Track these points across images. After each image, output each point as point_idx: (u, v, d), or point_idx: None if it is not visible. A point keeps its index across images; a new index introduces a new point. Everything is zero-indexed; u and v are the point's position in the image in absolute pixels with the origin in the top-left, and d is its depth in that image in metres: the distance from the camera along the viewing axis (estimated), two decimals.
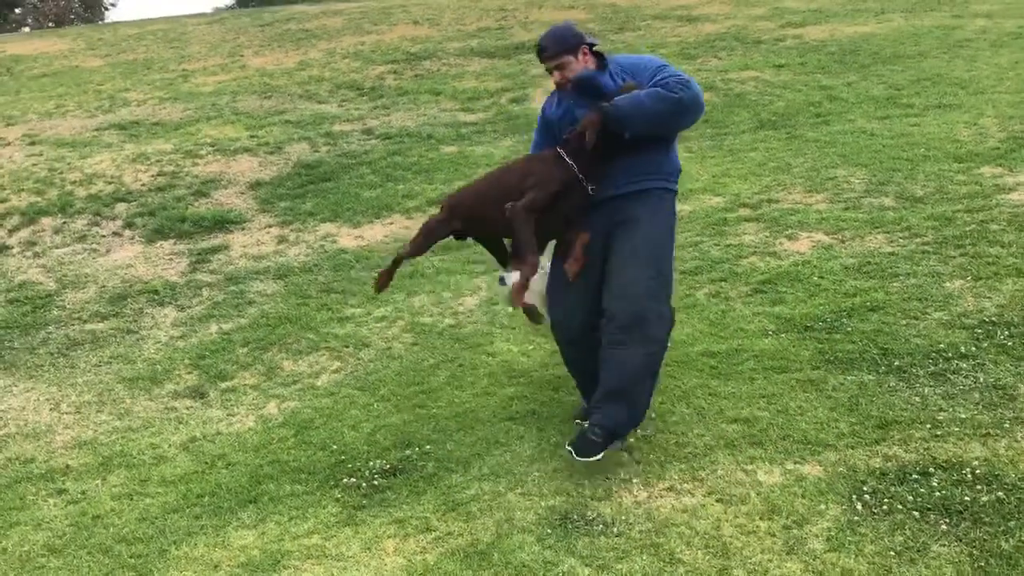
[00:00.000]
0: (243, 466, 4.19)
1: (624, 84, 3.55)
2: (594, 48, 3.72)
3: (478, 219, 3.86)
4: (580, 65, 3.64)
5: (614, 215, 3.63)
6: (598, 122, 3.48)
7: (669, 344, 3.70)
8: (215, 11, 20.22)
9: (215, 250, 7.08)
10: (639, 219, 3.60)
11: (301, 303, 6.01)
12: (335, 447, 4.20)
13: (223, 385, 5.11)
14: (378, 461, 3.97)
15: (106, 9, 38.27)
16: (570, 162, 3.59)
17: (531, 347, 4.93)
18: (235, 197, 8.07)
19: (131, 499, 4.04)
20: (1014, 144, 6.83)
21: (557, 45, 3.63)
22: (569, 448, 3.50)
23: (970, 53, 9.86)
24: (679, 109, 3.47)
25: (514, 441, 3.96)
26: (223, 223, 7.54)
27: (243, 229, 7.44)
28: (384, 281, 4.10)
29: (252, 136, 9.52)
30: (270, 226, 7.44)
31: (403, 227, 7.13)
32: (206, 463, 4.28)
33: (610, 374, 3.53)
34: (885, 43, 10.69)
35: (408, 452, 4.01)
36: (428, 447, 4.03)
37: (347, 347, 5.31)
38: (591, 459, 3.45)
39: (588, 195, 3.63)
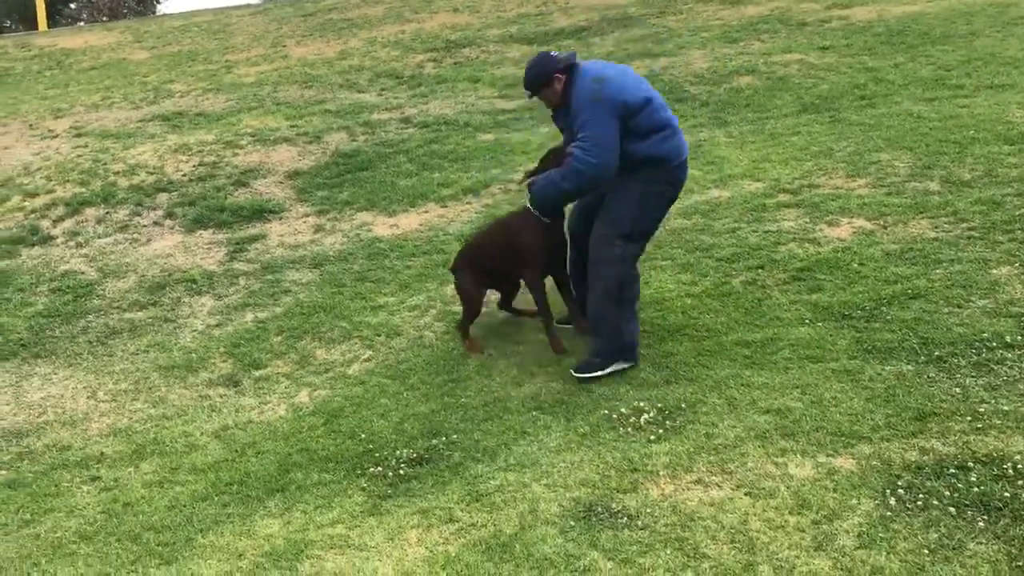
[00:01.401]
0: (273, 455, 4.21)
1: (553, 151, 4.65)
2: (568, 66, 4.35)
3: (488, 269, 4.95)
4: (555, 91, 4.35)
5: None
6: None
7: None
8: (261, 2, 20.40)
9: (253, 239, 7.12)
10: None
11: (336, 292, 6.01)
12: (363, 436, 4.19)
13: (256, 374, 5.13)
14: (405, 450, 3.96)
15: (158, 2, 38.85)
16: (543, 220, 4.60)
17: (561, 336, 4.86)
18: (274, 187, 8.11)
19: (162, 487, 4.07)
20: None
21: (531, 87, 4.43)
22: (574, 372, 4.36)
23: None
24: (571, 194, 4.43)
25: (541, 431, 3.92)
26: (261, 212, 7.59)
27: (281, 218, 7.48)
28: (474, 346, 4.95)
29: (292, 126, 9.56)
30: (307, 215, 7.46)
31: (438, 215, 7.10)
32: (236, 451, 4.31)
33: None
34: (935, 22, 10.37)
35: (435, 441, 3.99)
36: (455, 436, 4.01)
37: (379, 336, 5.30)
38: (594, 375, 4.30)
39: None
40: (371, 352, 5.14)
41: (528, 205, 4.62)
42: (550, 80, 4.33)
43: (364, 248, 6.69)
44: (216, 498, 3.90)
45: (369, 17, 14.99)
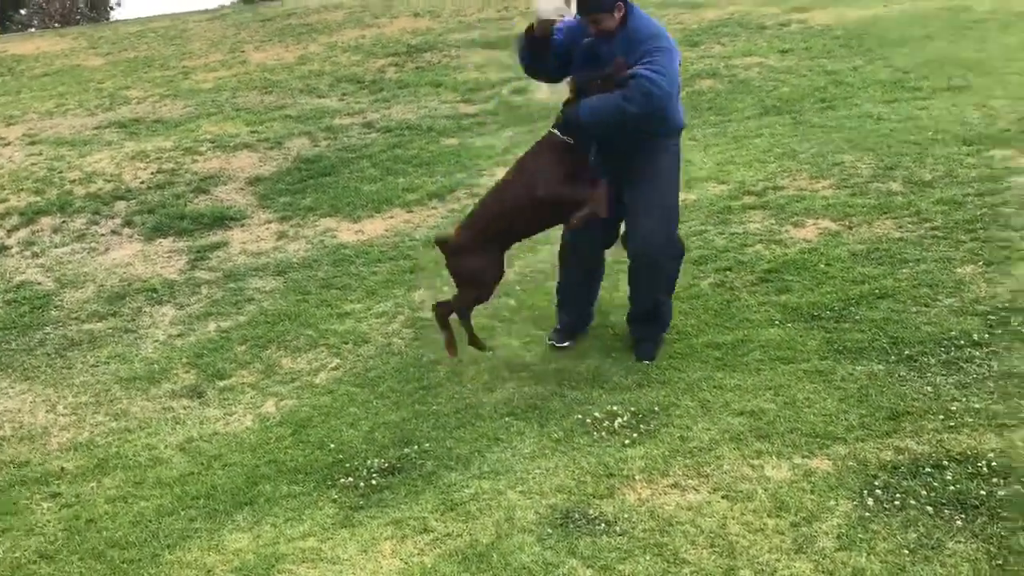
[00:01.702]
0: (240, 467, 4.12)
1: (615, 60, 3.99)
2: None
3: (511, 230, 4.32)
4: (613, 21, 4.03)
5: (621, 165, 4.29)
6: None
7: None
8: (218, 7, 20.15)
9: (214, 247, 6.99)
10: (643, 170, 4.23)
11: (300, 299, 5.92)
12: (333, 446, 4.12)
13: (221, 384, 5.03)
14: (376, 460, 3.89)
15: (111, 8, 38.21)
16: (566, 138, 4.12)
17: (533, 341, 4.83)
18: (235, 193, 7.98)
19: (126, 502, 3.96)
20: None
21: (595, 7, 4.02)
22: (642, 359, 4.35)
23: (979, 34, 9.68)
24: (629, 119, 3.97)
25: (515, 437, 3.87)
26: (222, 220, 7.46)
27: (242, 225, 7.36)
28: (452, 345, 4.45)
29: (252, 132, 9.42)
30: (269, 222, 7.35)
31: (403, 221, 7.03)
32: (202, 464, 4.21)
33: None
34: (891, 26, 10.52)
35: (407, 450, 3.93)
36: (427, 445, 3.95)
37: (346, 343, 5.22)
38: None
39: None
40: (338, 360, 5.06)
41: (552, 130, 4.18)
42: (613, 5, 4.03)
43: (329, 255, 6.60)
44: (182, 512, 3.80)
45: (329, 22, 14.86)
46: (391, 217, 7.15)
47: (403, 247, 6.52)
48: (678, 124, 4.26)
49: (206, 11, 19.25)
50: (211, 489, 3.95)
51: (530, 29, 4.16)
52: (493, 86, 10.28)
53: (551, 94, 9.68)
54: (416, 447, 3.93)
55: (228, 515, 3.72)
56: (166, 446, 4.44)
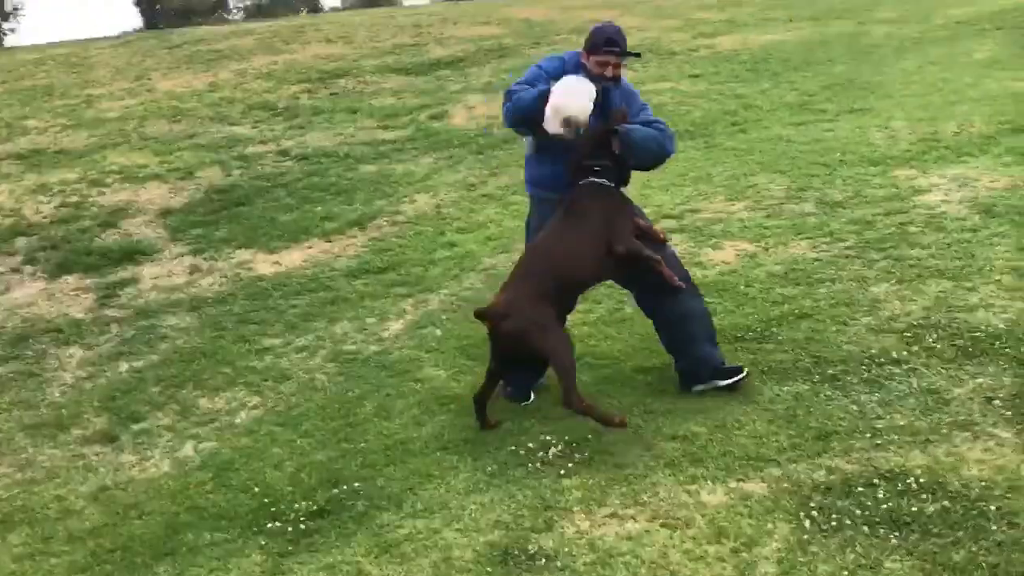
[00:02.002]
0: (158, 515, 3.92)
1: (619, 108, 4.06)
2: None
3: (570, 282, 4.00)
4: (623, 70, 4.16)
5: None
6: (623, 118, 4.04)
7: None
8: (121, 35, 19.60)
9: (124, 283, 6.72)
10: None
11: (216, 336, 5.72)
12: (257, 489, 3.96)
13: (135, 427, 4.80)
14: (304, 502, 3.75)
15: (5, 35, 36.84)
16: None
17: (461, 371, 4.76)
18: (144, 227, 7.71)
19: (34, 559, 3.73)
20: (924, 146, 6.96)
21: (625, 46, 4.08)
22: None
23: (877, 58, 10.09)
24: (663, 156, 4.18)
25: (448, 473, 3.79)
26: (132, 254, 7.18)
27: (153, 260, 7.10)
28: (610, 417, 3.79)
29: (162, 162, 9.14)
30: (182, 255, 7.11)
31: (323, 250, 6.89)
32: (118, 514, 4.00)
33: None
34: (795, 50, 10.89)
35: (336, 491, 3.80)
36: (357, 484, 3.83)
37: (266, 381, 5.06)
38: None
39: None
40: (259, 399, 4.90)
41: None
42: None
43: (245, 288, 6.41)
44: (97, 568, 3.59)
45: (239, 48, 14.59)
46: (309, 247, 7.00)
47: (322, 278, 6.38)
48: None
49: (108, 38, 18.70)
50: (128, 541, 3.75)
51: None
52: (411, 112, 10.22)
53: (468, 120, 9.70)
54: (345, 487, 3.81)
55: (148, 568, 3.54)
56: (77, 496, 4.21)
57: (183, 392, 5.10)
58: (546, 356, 3.83)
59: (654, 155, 4.13)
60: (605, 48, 4.01)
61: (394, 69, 12.11)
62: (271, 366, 5.23)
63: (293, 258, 6.84)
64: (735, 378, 4.00)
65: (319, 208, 7.70)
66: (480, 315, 3.91)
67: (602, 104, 4.00)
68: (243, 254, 7.00)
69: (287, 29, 15.92)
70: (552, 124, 3.86)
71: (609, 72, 4.04)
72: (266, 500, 3.84)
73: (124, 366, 5.52)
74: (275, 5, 37.87)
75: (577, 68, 4.08)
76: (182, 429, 4.72)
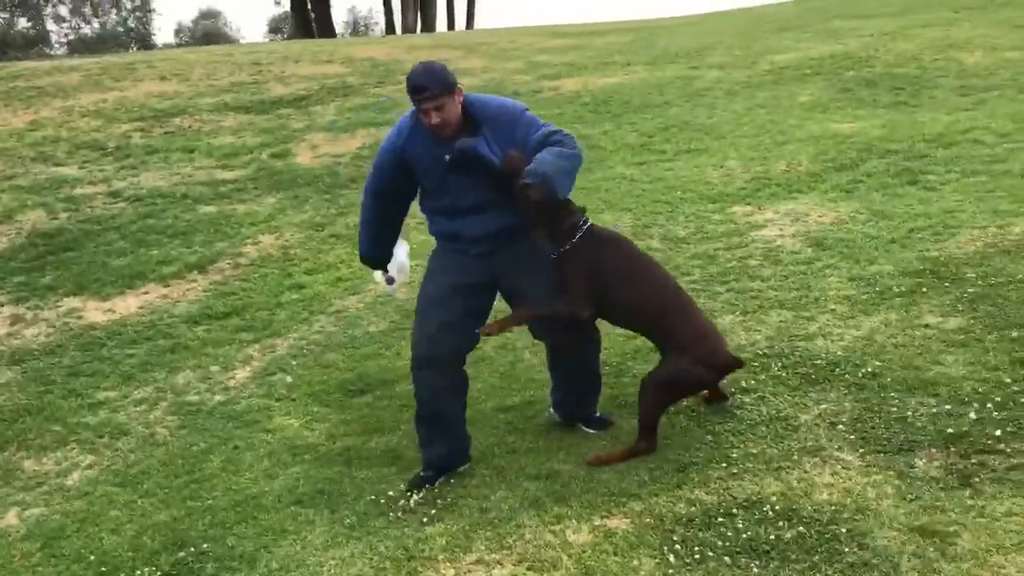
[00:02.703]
0: None
1: (508, 157, 3.47)
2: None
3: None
4: (456, 107, 3.46)
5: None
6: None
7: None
8: None
9: None
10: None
11: (44, 391, 5.28)
12: (93, 557, 3.64)
13: None
14: (146, 568, 3.48)
15: None
16: None
17: (315, 419, 4.57)
18: None
19: None
20: (758, 184, 7.33)
21: (438, 86, 3.40)
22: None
23: (709, 101, 10.60)
24: (579, 166, 3.55)
25: (304, 527, 3.60)
26: None
27: None
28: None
29: None
30: (2, 305, 6.56)
31: (160, 296, 6.52)
32: None
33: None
34: (633, 93, 11.29)
35: (182, 553, 3.54)
36: (205, 545, 3.58)
37: (101, 437, 4.69)
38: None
39: None
40: (93, 457, 4.54)
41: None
42: (453, 89, 3.46)
43: (75, 338, 5.97)
44: None
45: (63, 85, 13.77)
46: (145, 293, 6.61)
47: (161, 325, 6.03)
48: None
49: None
50: None
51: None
52: (251, 151, 9.90)
53: (312, 159, 9.49)
54: (192, 549, 3.56)
55: None
56: None
57: (5, 454, 4.67)
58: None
59: (574, 170, 3.51)
60: (415, 98, 3.45)
61: (233, 107, 11.73)
62: (106, 421, 4.87)
63: (128, 304, 6.43)
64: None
65: (155, 251, 7.30)
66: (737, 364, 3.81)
67: (470, 165, 3.51)
68: (72, 302, 6.53)
69: (117, 66, 15.16)
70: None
71: (434, 120, 3.43)
72: (103, 569, 3.54)
73: None
74: (102, 41, 36.15)
75: (413, 126, 3.59)
76: (4, 495, 4.30)
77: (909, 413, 3.68)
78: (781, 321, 4.81)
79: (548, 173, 3.36)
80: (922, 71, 9.91)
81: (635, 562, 3.03)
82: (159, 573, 3.42)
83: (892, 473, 3.32)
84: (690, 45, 13.79)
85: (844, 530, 3.01)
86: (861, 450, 3.50)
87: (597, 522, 3.31)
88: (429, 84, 3.40)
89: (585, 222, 3.66)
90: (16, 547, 3.84)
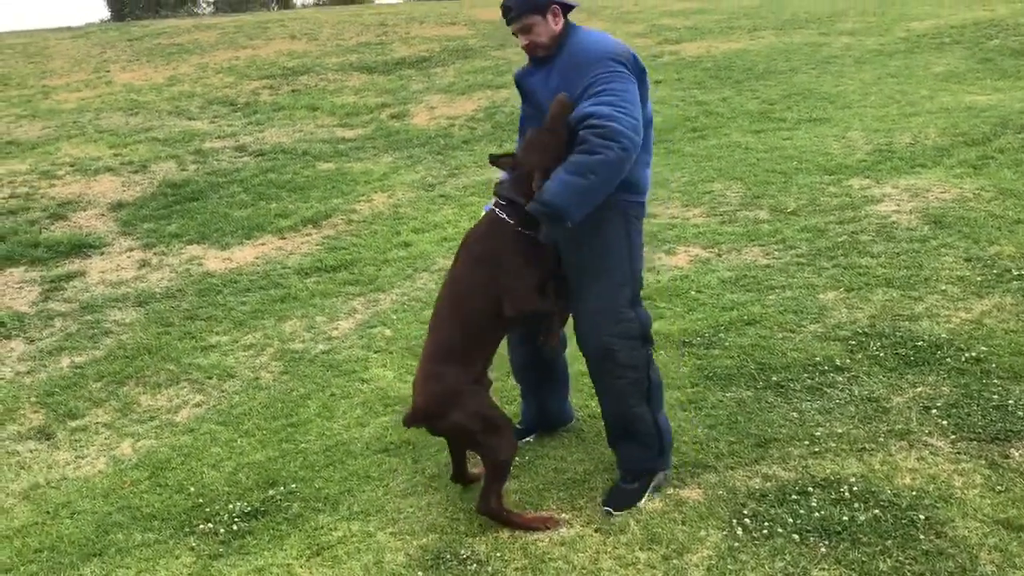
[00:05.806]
0: (89, 514, 3.83)
1: (556, 100, 3.04)
2: (571, 9, 3.20)
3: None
4: (548, 28, 3.14)
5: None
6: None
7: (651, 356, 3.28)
8: (84, 25, 19.28)
9: (70, 277, 6.59)
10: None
11: (162, 332, 5.62)
12: (192, 489, 3.88)
13: (72, 424, 4.70)
14: (239, 503, 3.68)
15: None
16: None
17: (409, 372, 4.70)
18: (94, 219, 7.57)
19: None
20: (879, 157, 7.03)
21: (522, 5, 3.12)
22: (606, 508, 3.23)
23: (837, 69, 10.18)
24: (609, 174, 2.94)
25: (387, 475, 3.73)
26: (80, 247, 7.05)
27: (102, 254, 6.97)
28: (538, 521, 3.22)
29: (116, 155, 8.99)
30: (131, 250, 6.99)
31: (276, 248, 6.81)
32: (48, 512, 3.90)
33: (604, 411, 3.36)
34: (758, 59, 10.95)
35: (272, 492, 3.73)
36: (294, 485, 3.76)
37: (210, 379, 4.97)
38: (634, 506, 3.22)
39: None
40: (201, 396, 4.81)
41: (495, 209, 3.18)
42: (550, 5, 3.12)
43: (194, 284, 6.31)
44: (22, 568, 3.50)
45: (200, 42, 14.42)
46: (262, 244, 6.91)
47: (274, 275, 6.30)
48: (635, 181, 3.16)
49: (69, 28, 18.38)
50: (56, 540, 3.65)
51: None
52: (371, 111, 10.15)
53: (429, 120, 9.64)
54: (282, 488, 3.74)
55: (74, 568, 3.44)
56: (8, 494, 4.10)
57: (124, 389, 5.00)
58: (484, 451, 3.22)
59: (593, 187, 2.94)
60: (505, 20, 3.20)
61: (357, 67, 12.02)
62: (216, 363, 5.14)
63: (245, 255, 6.74)
64: None
65: (274, 205, 7.61)
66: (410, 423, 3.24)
67: (527, 96, 3.28)
68: (194, 250, 6.90)
69: (251, 24, 15.75)
70: None
71: (522, 41, 3.20)
72: (200, 500, 3.76)
73: (65, 361, 5.40)
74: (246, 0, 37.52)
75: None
76: (120, 427, 4.62)
77: (1011, 402, 3.50)
78: (887, 300, 4.63)
79: (559, 206, 2.92)
80: None
81: (702, 532, 3.02)
82: (250, 507, 3.62)
83: (983, 462, 3.18)
84: (822, 10, 13.23)
85: (923, 516, 2.91)
86: (953, 436, 3.35)
87: (670, 491, 3.30)
88: (513, 4, 3.15)
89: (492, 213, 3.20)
90: (128, 474, 4.13)
